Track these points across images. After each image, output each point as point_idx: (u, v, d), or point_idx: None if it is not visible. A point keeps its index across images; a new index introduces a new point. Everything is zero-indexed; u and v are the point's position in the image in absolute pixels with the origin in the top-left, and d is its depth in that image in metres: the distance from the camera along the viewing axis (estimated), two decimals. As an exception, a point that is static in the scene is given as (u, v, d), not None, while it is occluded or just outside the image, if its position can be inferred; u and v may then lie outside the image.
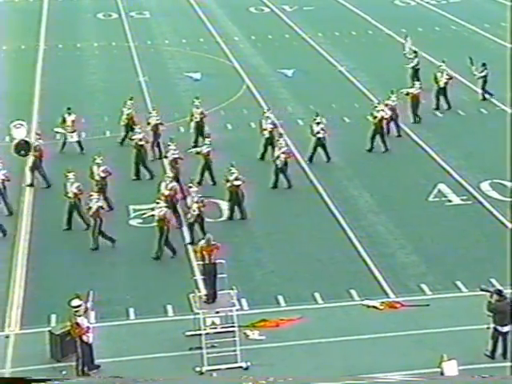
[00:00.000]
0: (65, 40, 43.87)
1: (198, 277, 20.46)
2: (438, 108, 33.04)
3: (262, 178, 27.14)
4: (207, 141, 27.50)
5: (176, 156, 26.23)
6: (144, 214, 23.64)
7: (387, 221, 25.04)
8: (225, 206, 25.81)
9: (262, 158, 28.74)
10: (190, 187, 23.82)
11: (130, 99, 30.48)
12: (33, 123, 32.10)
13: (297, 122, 32.31)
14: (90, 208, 23.22)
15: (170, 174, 24.88)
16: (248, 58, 40.81)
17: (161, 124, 29.09)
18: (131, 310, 20.69)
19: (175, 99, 34.99)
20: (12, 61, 40.86)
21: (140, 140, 27.66)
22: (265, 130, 28.78)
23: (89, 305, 18.35)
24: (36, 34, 45.10)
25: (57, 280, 21.93)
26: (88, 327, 18.12)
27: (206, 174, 26.92)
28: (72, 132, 29.34)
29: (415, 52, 35.63)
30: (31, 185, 26.97)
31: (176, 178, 25.41)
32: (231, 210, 24.93)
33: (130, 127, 29.43)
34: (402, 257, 23.13)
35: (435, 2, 50.57)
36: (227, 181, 24.77)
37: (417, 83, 32.50)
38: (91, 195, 23.37)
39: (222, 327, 19.25)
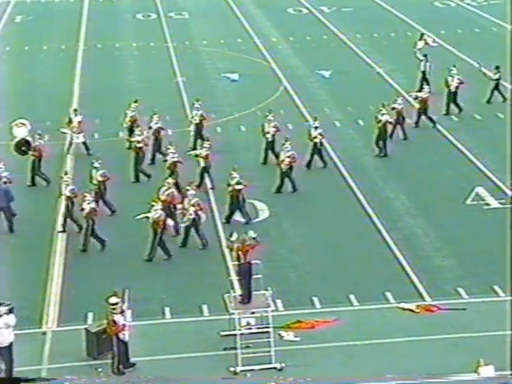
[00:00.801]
0: (104, 40, 44.23)
1: (234, 277, 20.50)
2: (447, 113, 32.64)
3: (299, 179, 27.11)
4: (206, 144, 27.30)
5: (175, 159, 26.13)
6: (138, 215, 23.58)
7: (424, 223, 24.89)
8: (260, 206, 25.87)
9: (265, 161, 28.53)
10: (188, 190, 23.78)
11: (135, 102, 30.30)
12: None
13: (334, 123, 32.26)
14: (82, 209, 23.24)
15: (170, 180, 24.51)
16: (286, 59, 40.82)
17: (162, 128, 28.88)
18: (167, 309, 20.79)
19: (213, 100, 35.07)
20: (52, 60, 41.27)
21: (138, 142, 27.44)
22: (267, 133, 28.57)
23: (125, 303, 18.45)
24: (76, 34, 45.52)
25: (93, 278, 22.09)
26: (124, 325, 18.24)
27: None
28: (78, 133, 29.31)
29: (425, 56, 35.17)
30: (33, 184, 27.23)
31: (175, 183, 25.30)
32: (230, 214, 24.73)
33: (133, 130, 29.04)
34: (439, 260, 22.98)
35: (475, 4, 50.22)
36: (228, 185, 24.60)
37: (426, 87, 32.15)
38: (84, 196, 23.33)
39: (257, 328, 19.23)
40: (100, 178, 25.12)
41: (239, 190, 24.49)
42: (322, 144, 28.32)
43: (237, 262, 19.36)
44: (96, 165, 25.35)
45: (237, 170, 24.62)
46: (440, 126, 30.71)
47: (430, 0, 51.52)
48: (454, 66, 33.35)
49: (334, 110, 33.56)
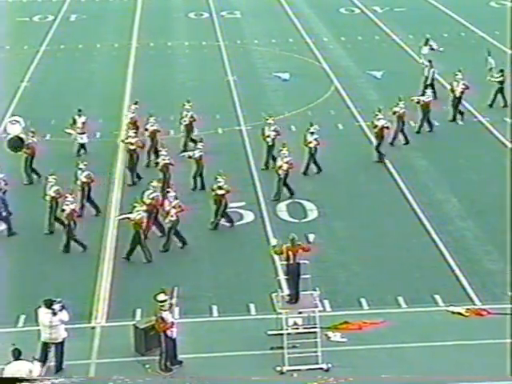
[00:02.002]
0: (156, 39, 44.54)
1: (282, 277, 20.50)
2: (455, 119, 32.21)
3: (349, 180, 27.01)
4: (199, 145, 27.17)
5: (167, 162, 26.04)
6: (119, 215, 23.59)
7: (474, 226, 24.62)
8: (309, 206, 25.83)
9: (266, 166, 28.16)
10: (168, 192, 23.74)
11: (135, 103, 30.11)
12: (122, 121, 32.64)
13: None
14: (63, 210, 23.28)
15: (155, 183, 24.37)
16: (337, 59, 40.68)
17: (158, 131, 28.64)
18: (214, 308, 20.86)
19: (263, 99, 35.15)
20: (105, 59, 41.69)
21: (131, 144, 27.27)
22: (267, 136, 28.29)
23: (173, 300, 18.56)
24: (129, 32, 45.92)
25: (143, 275, 22.26)
26: (172, 323, 18.35)
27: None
28: (82, 134, 29.30)
29: (430, 61, 34.63)
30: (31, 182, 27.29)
31: (167, 185, 25.26)
32: (215, 218, 24.54)
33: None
34: (489, 263, 22.70)
35: (532, 4, 49.47)
36: (212, 190, 24.51)
37: (428, 91, 31.72)
38: (66, 197, 23.36)
39: (304, 328, 19.21)
40: (84, 180, 25.08)
41: (222, 195, 24.26)
42: (316, 150, 27.75)
43: (285, 262, 19.35)
44: (81, 166, 25.31)
45: (222, 174, 24.45)
46: (497, 132, 30.15)
47: (485, 0, 50.91)
48: (460, 71, 32.88)
49: (385, 110, 33.32)
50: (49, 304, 18.21)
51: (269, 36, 45.00)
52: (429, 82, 33.78)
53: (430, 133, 31.15)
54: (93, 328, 20.06)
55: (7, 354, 16.94)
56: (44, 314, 18.24)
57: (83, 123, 29.40)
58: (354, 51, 41.78)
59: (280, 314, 19.10)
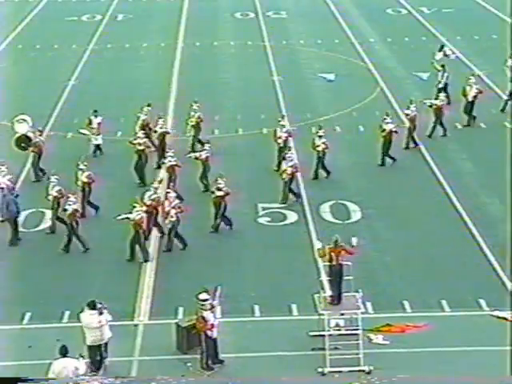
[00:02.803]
0: (202, 38, 44.69)
1: (324, 278, 20.44)
2: (469, 124, 31.76)
3: (392, 180, 26.85)
4: (206, 146, 27.06)
5: (173, 163, 25.97)
6: (119, 215, 23.47)
7: (520, 230, 24.32)
8: (353, 207, 25.73)
9: (279, 168, 27.57)
10: (168, 192, 23.68)
11: (148, 105, 30.02)
12: (168, 119, 32.85)
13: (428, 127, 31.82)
14: (65, 210, 23.34)
15: (155, 185, 24.32)
16: (383, 59, 40.44)
17: (167, 133, 28.56)
18: (256, 307, 20.88)
19: (308, 100, 35.09)
20: (151, 58, 41.95)
21: (139, 145, 27.23)
22: (279, 138, 28.14)
23: (216, 300, 18.61)
24: (175, 32, 46.15)
25: (185, 273, 22.36)
26: (213, 324, 18.35)
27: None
28: (97, 134, 29.29)
29: (443, 66, 34.15)
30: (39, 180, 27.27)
31: (172, 186, 25.27)
32: (215, 221, 24.45)
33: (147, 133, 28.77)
34: (535, 268, 22.41)
35: None
36: (212, 192, 24.41)
37: (441, 95, 31.29)
38: (68, 197, 23.43)
39: (346, 329, 19.16)
40: (85, 180, 25.13)
41: (222, 197, 24.16)
42: (324, 154, 27.51)
43: (328, 263, 19.29)
44: (81, 166, 25.32)
45: (223, 176, 24.37)
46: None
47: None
48: (473, 75, 32.52)
49: (430, 112, 33.06)
50: (92, 305, 18.17)
51: (314, 36, 44.91)
52: (441, 85, 33.41)
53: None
54: (135, 326, 20.19)
55: (53, 349, 17.12)
56: (90, 315, 18.17)
57: (99, 124, 29.40)
58: (400, 52, 41.52)
59: (322, 315, 19.05)
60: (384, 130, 28.36)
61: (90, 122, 29.49)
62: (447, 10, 49.02)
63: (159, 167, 27.76)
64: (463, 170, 28.47)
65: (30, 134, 27.82)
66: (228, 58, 41.94)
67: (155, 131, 28.54)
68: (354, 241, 19.58)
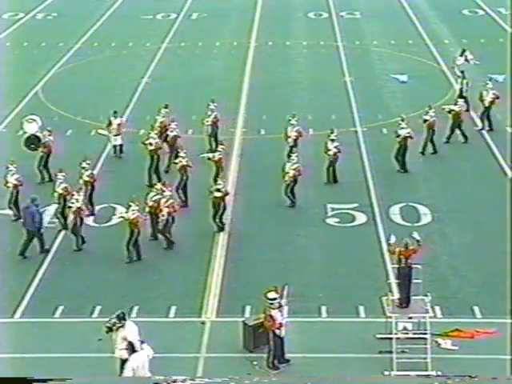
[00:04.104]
0: (275, 38, 44.76)
1: (393, 280, 20.27)
2: (483, 128, 30.99)
3: (464, 184, 26.46)
4: (220, 147, 26.86)
5: (184, 163, 25.75)
6: (121, 215, 23.45)
7: None
8: (423, 210, 25.46)
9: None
10: (163, 191, 23.51)
11: (165, 107, 29.84)
12: (238, 118, 33.01)
13: (505, 129, 31.30)
14: (69, 207, 23.43)
15: (158, 186, 24.13)
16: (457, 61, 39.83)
17: (178, 137, 28.25)
18: (323, 308, 20.82)
19: (380, 100, 34.85)
20: (224, 56, 42.18)
21: (150, 145, 27.07)
22: (289, 137, 27.93)
23: (283, 299, 18.60)
24: (248, 31, 46.31)
25: (254, 272, 22.40)
26: (281, 323, 18.35)
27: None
28: (116, 135, 29.26)
29: (462, 72, 33.35)
30: (44, 181, 27.18)
31: (182, 187, 25.34)
32: (214, 222, 24.27)
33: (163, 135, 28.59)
34: None
35: None
36: (210, 192, 24.18)
37: (460, 100, 30.53)
38: (73, 195, 23.50)
39: (414, 333, 18.97)
40: (87, 178, 25.17)
41: (221, 198, 24.00)
42: (336, 158, 27.15)
43: (397, 265, 19.12)
44: (84, 165, 25.35)
45: (222, 177, 24.16)
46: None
47: None
48: (490, 80, 31.77)
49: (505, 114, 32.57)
50: (122, 316, 17.61)
51: (388, 37, 44.57)
52: (458, 92, 32.84)
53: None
54: (202, 323, 20.31)
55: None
56: (134, 325, 17.62)
57: (118, 125, 29.44)
58: (476, 54, 40.81)
59: (390, 317, 18.89)
60: (399, 136, 27.99)
61: (110, 123, 29.54)
62: (526, 11, 48.14)
63: (167, 172, 27.65)
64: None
65: (39, 134, 28.06)
66: (300, 57, 41.90)
67: (167, 135, 28.36)
68: (416, 234, 19.31)
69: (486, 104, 31.24)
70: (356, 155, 29.49)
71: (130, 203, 22.91)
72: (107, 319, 17.51)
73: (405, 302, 18.97)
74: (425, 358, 18.27)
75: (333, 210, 25.72)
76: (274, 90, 36.41)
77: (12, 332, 19.60)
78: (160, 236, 23.64)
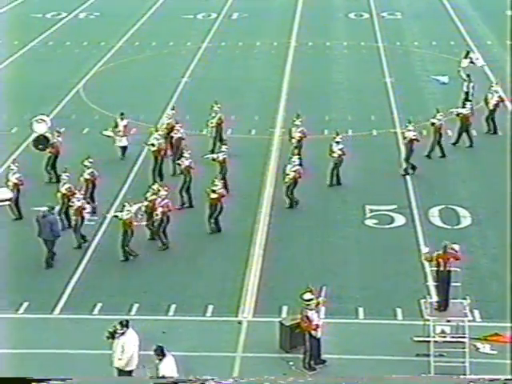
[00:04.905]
0: (315, 38, 44.68)
1: (431, 283, 20.13)
2: (489, 131, 30.59)
3: (505, 185, 26.20)
4: (224, 148, 26.66)
5: (187, 164, 25.62)
6: (114, 214, 23.45)
7: None
8: (463, 212, 25.24)
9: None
10: (159, 190, 23.45)
11: (172, 109, 29.51)
12: (277, 118, 32.99)
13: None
14: (71, 206, 23.48)
15: (155, 186, 23.98)
16: (500, 63, 39.46)
17: (182, 139, 28.03)
18: (360, 309, 20.74)
19: (420, 102, 34.62)
20: (264, 56, 42.19)
21: (153, 146, 27.01)
22: (293, 138, 27.75)
23: (320, 300, 18.56)
24: (288, 31, 46.29)
25: (291, 272, 22.37)
26: (317, 324, 18.30)
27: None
28: (122, 137, 29.07)
29: (468, 75, 32.79)
30: (51, 181, 27.10)
31: (186, 187, 25.28)
32: (209, 222, 24.15)
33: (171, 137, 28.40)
34: None
35: None
36: (207, 193, 24.05)
37: (468, 104, 30.03)
38: (74, 194, 23.58)
39: (452, 337, 18.81)
40: (87, 177, 25.22)
41: (217, 199, 23.89)
42: (341, 161, 26.91)
43: (435, 268, 18.98)
44: (86, 163, 25.38)
45: (219, 178, 24.09)
46: None
47: None
48: (496, 83, 31.36)
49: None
50: (125, 324, 17.32)
51: (429, 38, 44.27)
52: (463, 96, 32.38)
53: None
54: (239, 323, 20.33)
55: (158, 341, 17.33)
56: (135, 334, 17.28)
57: (125, 126, 29.30)
58: (517, 55, 40.48)
59: (428, 320, 18.76)
60: (405, 138, 27.78)
61: (116, 125, 29.43)
62: None
63: (174, 174, 27.52)
64: None
65: (48, 135, 28.19)
66: (340, 58, 41.79)
67: (171, 137, 28.22)
68: (457, 247, 19.16)
69: (491, 107, 30.93)
70: (395, 157, 29.32)
71: (125, 203, 23.06)
72: (112, 325, 17.42)
73: (443, 305, 18.84)
74: (463, 362, 18.12)
75: (371, 211, 25.61)
76: (313, 90, 36.34)
77: (51, 328, 19.80)
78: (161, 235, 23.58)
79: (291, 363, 18.66)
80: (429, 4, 51.52)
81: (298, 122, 28.47)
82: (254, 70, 39.83)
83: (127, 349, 16.94)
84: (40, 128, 28.18)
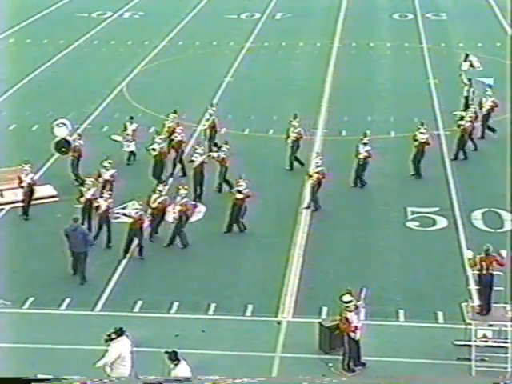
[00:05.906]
0: (359, 39, 44.51)
1: (473, 286, 19.92)
2: (493, 131, 30.13)
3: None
4: (224, 148, 26.51)
5: (199, 162, 25.66)
6: (118, 213, 23.42)
7: None
8: (506, 215, 24.95)
9: (291, 167, 27.76)
10: (179, 189, 23.39)
11: (174, 112, 29.43)
12: (320, 119, 32.89)
13: None
14: (97, 207, 23.43)
15: (160, 187, 23.90)
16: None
17: (183, 142, 27.89)
18: (401, 312, 20.59)
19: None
20: (306, 57, 42.11)
21: (153, 150, 26.82)
22: (288, 137, 27.70)
23: (360, 302, 18.47)
24: (332, 32, 46.16)
25: (331, 273, 22.30)
26: (356, 326, 18.21)
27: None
28: (131, 141, 28.84)
29: (470, 80, 32.27)
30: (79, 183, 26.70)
31: (199, 186, 25.49)
32: (230, 223, 23.94)
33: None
34: None
35: None
36: (231, 193, 23.80)
37: (470, 111, 29.42)
38: (96, 198, 23.60)
39: (494, 341, 18.60)
40: (108, 178, 25.18)
41: (242, 199, 23.72)
42: (366, 163, 26.60)
43: (478, 272, 18.78)
44: (105, 164, 25.38)
45: (244, 178, 23.88)
46: None
47: None
48: (490, 87, 30.81)
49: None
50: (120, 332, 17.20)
51: (475, 39, 43.83)
52: (463, 100, 32.09)
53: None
54: (279, 323, 20.31)
55: (198, 340, 17.39)
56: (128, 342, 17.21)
57: (134, 130, 29.16)
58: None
59: (469, 324, 18.58)
60: (416, 140, 27.48)
61: (125, 129, 29.32)
62: None
63: (171, 176, 27.45)
64: None
65: (69, 138, 28.20)
66: (384, 59, 41.57)
67: (172, 139, 28.13)
68: (504, 253, 18.94)
69: (484, 111, 30.52)
70: (438, 159, 29.09)
71: (133, 202, 23.09)
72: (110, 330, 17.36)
73: (485, 309, 18.65)
74: (505, 368, 17.91)
75: (413, 213, 25.42)
76: (356, 91, 36.19)
77: (93, 324, 19.95)
78: (176, 236, 23.52)
79: (330, 364, 18.60)
80: (475, 5, 51.04)
81: (295, 123, 28.37)
82: (296, 71, 39.77)
83: (109, 354, 16.98)
84: (61, 132, 28.38)
